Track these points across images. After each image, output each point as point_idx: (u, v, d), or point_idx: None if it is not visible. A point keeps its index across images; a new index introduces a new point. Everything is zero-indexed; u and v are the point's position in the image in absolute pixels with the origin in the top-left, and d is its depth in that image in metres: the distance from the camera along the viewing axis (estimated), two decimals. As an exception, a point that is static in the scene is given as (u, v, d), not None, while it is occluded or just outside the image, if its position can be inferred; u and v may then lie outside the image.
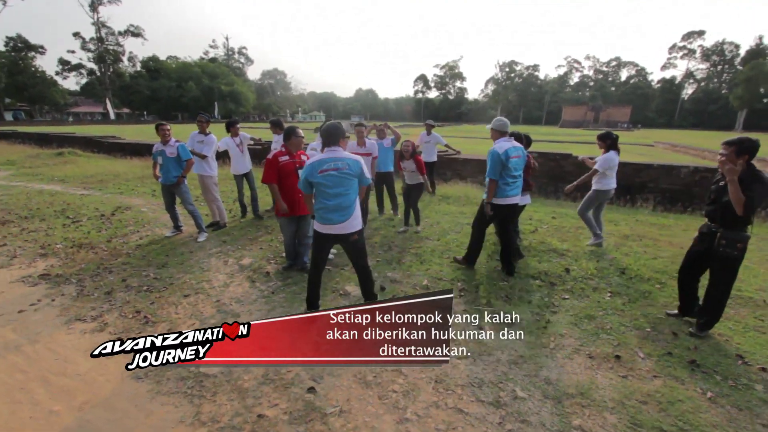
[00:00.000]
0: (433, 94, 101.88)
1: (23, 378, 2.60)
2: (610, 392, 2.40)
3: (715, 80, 78.77)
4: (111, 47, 62.91)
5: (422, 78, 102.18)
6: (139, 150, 14.60)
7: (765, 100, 64.51)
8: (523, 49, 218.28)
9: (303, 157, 4.11)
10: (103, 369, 2.69)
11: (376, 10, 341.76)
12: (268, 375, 2.60)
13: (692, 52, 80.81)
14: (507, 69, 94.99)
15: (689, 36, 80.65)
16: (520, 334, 3.03)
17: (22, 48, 53.74)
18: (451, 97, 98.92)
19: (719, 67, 78.19)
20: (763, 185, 2.59)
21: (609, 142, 4.78)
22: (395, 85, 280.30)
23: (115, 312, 3.45)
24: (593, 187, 4.88)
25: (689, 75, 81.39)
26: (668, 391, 2.40)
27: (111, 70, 62.91)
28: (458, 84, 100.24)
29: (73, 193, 8.38)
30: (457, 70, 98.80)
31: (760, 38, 67.16)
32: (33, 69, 53.61)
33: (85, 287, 3.93)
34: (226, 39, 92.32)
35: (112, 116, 62.04)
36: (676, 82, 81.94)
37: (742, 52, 72.33)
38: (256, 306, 3.55)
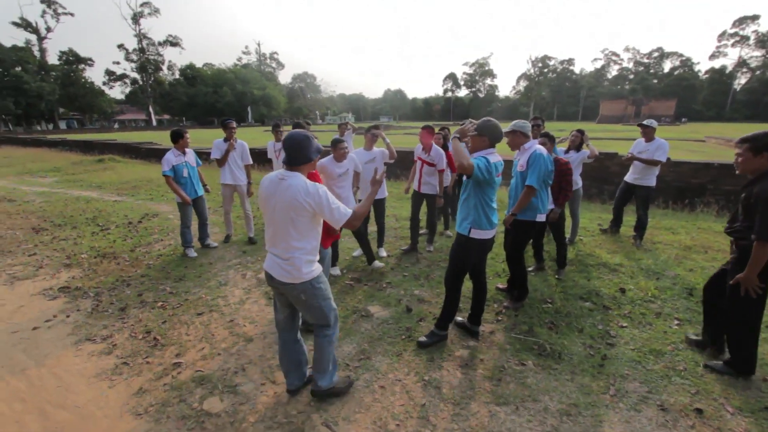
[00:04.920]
0: (462, 92, 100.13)
1: (21, 409, 2.42)
2: (695, 462, 1.91)
3: (773, 69, 72.35)
4: (152, 57, 66.02)
5: (451, 77, 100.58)
6: (173, 155, 14.95)
7: (833, 89, 58.55)
8: (557, 44, 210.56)
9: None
10: (103, 401, 2.47)
11: (405, 10, 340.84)
12: (276, 417, 2.28)
13: (745, 39, 74.61)
14: (540, 64, 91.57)
15: (741, 22, 74.55)
16: (571, 374, 2.58)
17: (73, 61, 57.49)
18: (481, 95, 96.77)
19: (777, 55, 71.78)
20: None
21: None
22: (424, 84, 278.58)
23: (126, 331, 3.27)
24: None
25: (742, 63, 75.17)
26: (776, 466, 1.87)
27: (152, 78, 66.04)
28: (488, 81, 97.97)
29: (107, 199, 8.55)
30: (487, 68, 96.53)
31: (827, 21, 60.99)
32: (83, 80, 57.18)
33: (101, 302, 3.80)
34: (258, 45, 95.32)
35: (154, 123, 65.22)
36: (727, 71, 75.95)
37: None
38: (270, 328, 3.26)
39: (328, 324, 2.30)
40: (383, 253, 4.76)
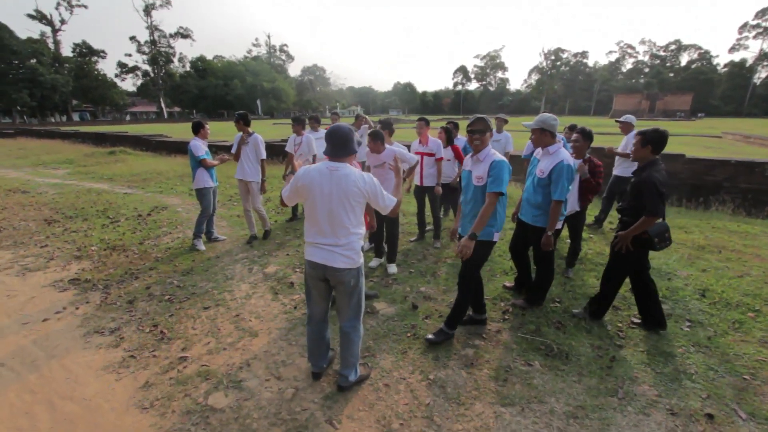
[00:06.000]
0: (473, 86, 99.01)
1: (31, 400, 2.47)
2: (705, 470, 1.86)
3: (796, 62, 70.00)
4: (163, 49, 66.45)
5: (462, 69, 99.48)
6: (183, 148, 15.08)
7: None
8: (571, 36, 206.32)
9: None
10: (110, 394, 2.50)
11: (416, 1, 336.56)
12: (280, 414, 2.29)
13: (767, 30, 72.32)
14: (552, 57, 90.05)
15: (765, 12, 72.19)
16: (578, 375, 2.53)
17: (86, 53, 58.16)
18: (491, 89, 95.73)
19: (801, 47, 69.42)
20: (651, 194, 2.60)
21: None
22: (434, 77, 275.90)
23: (133, 324, 3.31)
24: None
25: (763, 56, 72.90)
26: (790, 476, 1.82)
27: (163, 71, 66.48)
28: (500, 75, 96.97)
29: (117, 191, 8.65)
30: (498, 60, 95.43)
31: None
32: (96, 72, 57.75)
33: (110, 294, 3.85)
34: (268, 37, 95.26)
35: (165, 115, 65.77)
36: (747, 65, 73.74)
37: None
38: (275, 323, 3.27)
39: (359, 314, 2.44)
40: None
